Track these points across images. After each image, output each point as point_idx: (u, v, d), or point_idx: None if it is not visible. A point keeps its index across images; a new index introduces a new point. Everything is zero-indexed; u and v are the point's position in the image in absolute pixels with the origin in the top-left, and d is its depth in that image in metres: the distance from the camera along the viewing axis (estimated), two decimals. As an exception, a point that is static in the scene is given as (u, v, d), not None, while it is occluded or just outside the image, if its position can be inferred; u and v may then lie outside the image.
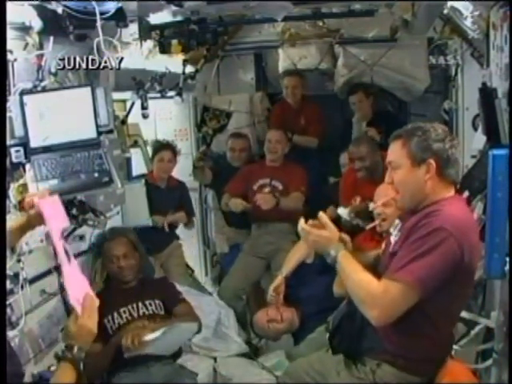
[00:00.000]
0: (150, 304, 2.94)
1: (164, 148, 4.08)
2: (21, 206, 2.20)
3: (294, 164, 4.23)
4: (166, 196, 4.06)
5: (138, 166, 4.05)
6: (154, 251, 3.91)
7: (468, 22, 2.89)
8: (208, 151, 4.74)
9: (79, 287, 1.65)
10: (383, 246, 2.25)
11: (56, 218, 1.89)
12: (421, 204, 1.98)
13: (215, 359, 3.44)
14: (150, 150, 4.19)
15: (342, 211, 3.36)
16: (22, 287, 2.38)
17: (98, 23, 2.26)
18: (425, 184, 1.95)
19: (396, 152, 1.99)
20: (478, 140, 3.17)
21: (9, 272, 2.28)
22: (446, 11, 3.04)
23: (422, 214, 1.92)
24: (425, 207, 1.97)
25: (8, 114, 2.28)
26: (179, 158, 4.21)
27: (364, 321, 1.99)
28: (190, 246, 4.62)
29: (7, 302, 2.24)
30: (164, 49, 3.24)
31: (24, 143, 2.39)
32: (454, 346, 2.50)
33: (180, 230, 4.30)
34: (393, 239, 2.09)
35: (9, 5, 1.95)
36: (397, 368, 2.03)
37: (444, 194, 1.97)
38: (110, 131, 2.77)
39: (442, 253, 1.81)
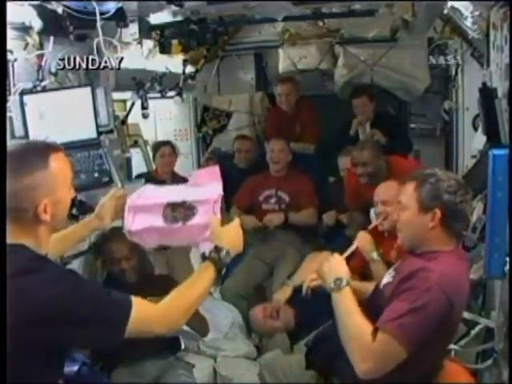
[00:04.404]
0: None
1: (163, 144, 4.21)
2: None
3: (299, 173, 4.20)
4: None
5: (138, 166, 4.06)
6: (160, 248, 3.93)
7: (468, 22, 2.89)
8: (217, 150, 4.74)
9: None
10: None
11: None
12: (420, 248, 1.99)
13: (215, 359, 3.44)
14: (150, 151, 4.21)
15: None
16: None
17: (98, 23, 2.27)
18: (427, 231, 1.95)
19: (407, 193, 2.00)
20: (478, 140, 3.18)
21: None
22: (446, 11, 3.03)
23: (419, 265, 1.91)
24: (423, 253, 1.97)
25: (8, 114, 2.28)
26: (179, 158, 4.22)
27: (341, 343, 1.99)
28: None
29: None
30: (164, 49, 3.24)
31: (24, 143, 2.38)
32: (454, 346, 2.51)
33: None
34: (386, 277, 2.09)
35: (9, 5, 1.94)
36: None
37: (445, 245, 1.96)
38: (110, 131, 2.78)
39: (433, 312, 1.80)
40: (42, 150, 1.52)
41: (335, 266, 2.05)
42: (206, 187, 2.01)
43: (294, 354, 2.65)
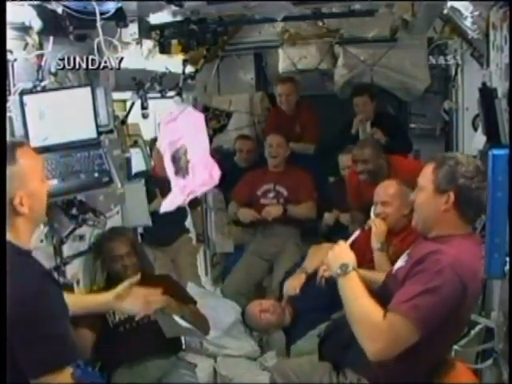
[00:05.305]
0: None
1: None
2: None
3: (298, 168, 4.23)
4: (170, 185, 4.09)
5: (138, 166, 4.05)
6: (163, 244, 3.93)
7: (468, 22, 2.89)
8: (219, 148, 4.74)
9: None
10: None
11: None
12: (432, 231, 1.99)
13: (215, 359, 3.44)
14: (149, 149, 4.21)
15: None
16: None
17: (98, 23, 2.26)
18: (440, 214, 1.95)
19: (425, 174, 2.01)
20: (478, 140, 3.17)
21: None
22: (445, 11, 3.03)
23: (432, 248, 1.90)
24: (436, 237, 1.97)
25: (8, 114, 2.27)
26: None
27: (353, 333, 1.99)
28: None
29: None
30: (164, 49, 3.23)
31: (24, 143, 2.38)
32: (454, 346, 2.51)
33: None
34: (400, 262, 2.09)
35: (9, 5, 1.95)
36: None
37: (458, 229, 1.96)
38: (110, 131, 2.78)
39: (446, 294, 1.80)
40: (9, 147, 1.63)
41: (340, 252, 2.05)
42: (206, 174, 2.19)
43: (304, 354, 2.64)
